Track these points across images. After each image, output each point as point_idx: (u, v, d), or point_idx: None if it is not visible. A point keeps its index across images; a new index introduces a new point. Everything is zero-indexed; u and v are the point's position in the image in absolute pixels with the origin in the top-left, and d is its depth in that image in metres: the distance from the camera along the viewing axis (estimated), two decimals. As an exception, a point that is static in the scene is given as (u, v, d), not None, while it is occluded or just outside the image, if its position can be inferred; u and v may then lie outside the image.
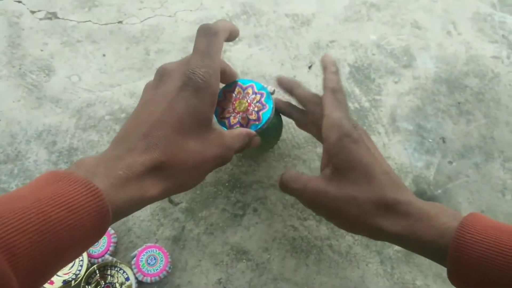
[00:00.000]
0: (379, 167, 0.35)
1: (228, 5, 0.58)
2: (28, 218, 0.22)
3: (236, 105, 0.41)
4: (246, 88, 0.42)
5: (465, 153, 0.51)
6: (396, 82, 0.55)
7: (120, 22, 0.55)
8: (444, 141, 0.52)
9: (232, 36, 0.39)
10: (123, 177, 0.28)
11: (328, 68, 0.41)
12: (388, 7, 0.60)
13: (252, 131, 0.39)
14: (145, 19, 0.55)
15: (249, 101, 0.41)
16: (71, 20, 0.54)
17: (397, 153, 0.50)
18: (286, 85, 0.44)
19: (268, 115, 0.40)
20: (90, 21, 0.54)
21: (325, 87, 0.40)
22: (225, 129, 0.39)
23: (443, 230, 0.31)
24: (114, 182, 0.27)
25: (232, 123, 0.40)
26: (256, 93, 0.42)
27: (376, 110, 0.53)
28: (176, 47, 0.54)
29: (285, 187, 0.39)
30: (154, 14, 0.56)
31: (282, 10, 0.58)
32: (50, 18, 0.54)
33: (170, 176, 0.31)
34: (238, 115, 0.40)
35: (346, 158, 0.35)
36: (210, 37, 0.35)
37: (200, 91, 0.33)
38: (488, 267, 0.28)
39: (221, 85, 0.42)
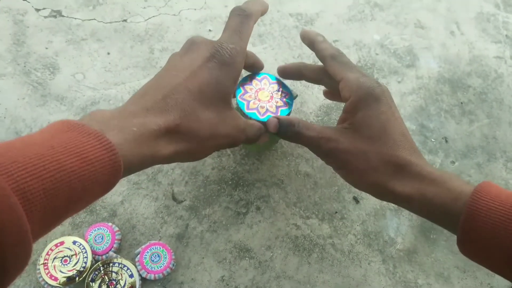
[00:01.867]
0: (397, 127, 0.35)
1: (231, 4, 0.58)
2: (43, 165, 0.22)
3: (259, 94, 0.42)
4: (261, 79, 0.43)
5: (467, 153, 0.51)
6: (399, 82, 0.55)
7: (125, 20, 0.55)
8: (446, 141, 0.52)
9: (263, 13, 0.40)
10: (137, 134, 0.28)
11: (315, 39, 0.40)
12: (391, 7, 0.60)
13: (263, 127, 0.39)
14: (150, 18, 0.55)
15: (272, 94, 0.42)
16: (76, 18, 0.54)
17: (400, 152, 0.50)
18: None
19: (286, 113, 0.41)
20: (94, 19, 0.55)
21: (323, 57, 0.39)
22: (243, 109, 0.40)
23: (456, 194, 0.30)
24: (127, 137, 0.27)
25: (250, 107, 0.41)
26: (271, 84, 0.43)
27: (379, 109, 0.53)
28: (180, 45, 0.54)
29: (298, 134, 0.37)
30: (159, 12, 0.56)
31: (286, 9, 0.58)
32: (54, 16, 0.54)
33: (182, 140, 0.31)
34: (259, 102, 0.41)
35: (364, 115, 0.35)
36: (243, 18, 0.36)
37: (225, 65, 0.33)
38: (501, 235, 0.27)
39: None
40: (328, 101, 0.52)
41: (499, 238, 0.27)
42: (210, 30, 0.56)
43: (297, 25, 0.57)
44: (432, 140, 0.52)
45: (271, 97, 0.42)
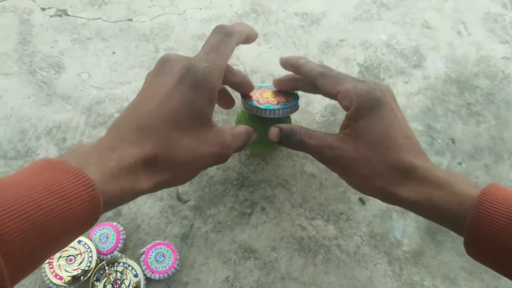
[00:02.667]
0: (400, 130, 0.34)
1: (237, 3, 0.57)
2: (21, 205, 0.22)
3: (264, 94, 0.42)
4: (268, 89, 0.43)
5: (474, 154, 0.51)
6: (406, 82, 0.54)
7: (130, 20, 0.55)
8: (453, 142, 0.51)
9: (250, 39, 0.39)
10: (114, 168, 0.27)
11: (298, 63, 0.40)
12: (398, 7, 0.60)
13: (250, 128, 0.39)
14: (155, 17, 0.55)
15: (276, 94, 0.42)
16: (81, 18, 0.54)
17: (406, 153, 0.50)
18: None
19: (287, 106, 0.40)
20: (100, 18, 0.55)
21: (312, 78, 0.38)
22: (255, 105, 0.39)
23: (462, 197, 0.30)
24: (105, 172, 0.27)
25: (251, 99, 0.40)
26: (271, 89, 0.43)
27: (385, 110, 0.52)
28: (186, 45, 0.54)
29: (300, 142, 0.37)
30: (164, 12, 0.56)
31: (291, 8, 0.58)
32: (60, 15, 0.54)
33: (162, 170, 0.31)
34: (261, 97, 0.41)
35: (367, 121, 0.34)
36: (223, 36, 0.35)
37: (198, 85, 0.32)
38: (508, 239, 0.27)
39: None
40: (334, 102, 0.52)
41: (505, 240, 0.27)
42: (215, 30, 0.55)
43: (302, 24, 0.57)
44: (439, 141, 0.51)
45: (275, 96, 0.42)
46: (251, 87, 0.42)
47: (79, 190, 0.25)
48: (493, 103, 0.54)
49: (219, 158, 0.35)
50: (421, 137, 0.51)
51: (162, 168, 0.31)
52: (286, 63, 0.41)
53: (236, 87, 0.41)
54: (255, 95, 0.42)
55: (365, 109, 0.34)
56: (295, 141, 0.37)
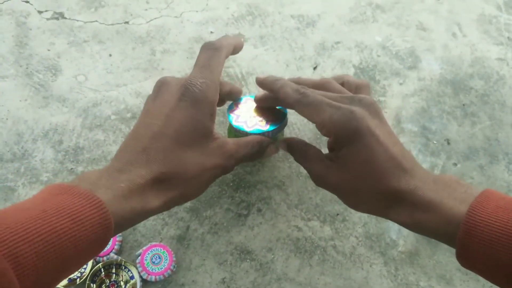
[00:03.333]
0: (382, 154, 0.32)
1: (233, 6, 0.58)
2: (34, 229, 0.23)
3: (253, 109, 0.42)
4: (246, 101, 0.43)
5: (469, 155, 0.51)
6: (401, 84, 0.55)
7: (127, 22, 0.55)
8: (448, 143, 0.52)
9: (236, 49, 0.40)
10: (125, 189, 0.28)
11: (272, 87, 0.38)
12: (393, 9, 0.60)
13: (266, 138, 0.39)
14: (151, 20, 0.56)
15: (265, 111, 0.42)
16: (78, 20, 0.55)
17: (402, 154, 0.50)
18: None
19: (275, 127, 0.41)
20: (96, 21, 0.55)
21: (289, 105, 0.38)
22: (244, 130, 0.40)
23: (449, 217, 0.30)
24: (116, 194, 0.28)
25: (249, 125, 0.41)
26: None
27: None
28: (182, 47, 0.54)
29: (297, 161, 0.40)
30: (160, 14, 0.56)
31: (287, 11, 0.58)
32: (57, 18, 0.54)
33: (171, 187, 0.32)
34: (249, 116, 0.41)
35: (347, 152, 0.34)
36: (212, 51, 0.36)
37: (197, 101, 0.33)
38: (499, 252, 0.27)
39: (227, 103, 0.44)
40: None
41: (497, 254, 0.27)
42: (211, 32, 0.56)
43: (298, 26, 0.57)
44: (434, 142, 0.51)
45: (264, 113, 0.42)
46: (240, 92, 0.43)
47: (91, 212, 0.25)
48: (488, 104, 0.54)
49: (224, 169, 0.36)
50: (416, 138, 0.51)
51: (171, 185, 0.31)
52: (262, 84, 0.40)
53: (226, 96, 0.42)
54: (242, 113, 0.42)
55: (343, 140, 0.34)
56: (295, 158, 0.40)
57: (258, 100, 0.42)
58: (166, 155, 0.31)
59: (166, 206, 0.32)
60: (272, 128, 0.40)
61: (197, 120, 0.33)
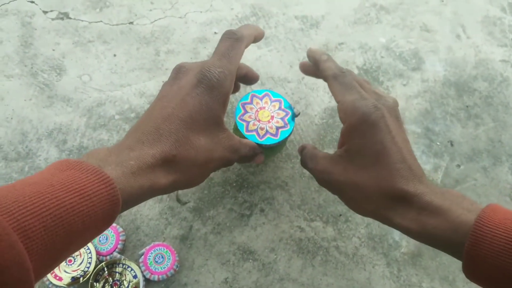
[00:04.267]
0: (395, 153, 0.32)
1: (238, 6, 0.58)
2: (43, 203, 0.22)
3: (259, 114, 0.42)
4: (262, 97, 0.43)
5: (473, 157, 0.51)
6: (404, 85, 0.55)
7: (131, 22, 0.55)
8: (452, 144, 0.52)
9: (257, 39, 0.40)
10: (134, 167, 0.28)
11: (320, 58, 0.40)
12: (397, 10, 0.60)
13: (258, 147, 0.39)
14: (156, 20, 0.56)
15: (272, 114, 0.42)
16: (83, 21, 0.55)
17: (405, 155, 0.50)
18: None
19: (287, 135, 0.41)
20: (101, 21, 0.55)
21: (325, 77, 0.38)
22: (242, 131, 0.40)
23: (456, 225, 0.29)
24: (125, 170, 0.28)
25: (249, 129, 0.41)
26: (272, 102, 0.43)
27: (384, 112, 0.53)
28: (186, 48, 0.54)
29: (304, 164, 0.40)
30: (165, 15, 0.56)
31: (291, 12, 0.58)
32: (62, 18, 0.55)
33: (179, 170, 0.31)
34: (259, 123, 0.41)
35: (359, 143, 0.33)
36: (233, 41, 0.36)
37: (213, 89, 0.33)
38: (507, 263, 0.26)
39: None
40: (334, 104, 0.52)
41: (505, 266, 0.26)
42: (215, 33, 0.56)
43: (302, 27, 0.57)
44: (438, 143, 0.51)
45: (272, 117, 0.42)
46: (256, 77, 0.42)
47: (99, 188, 0.25)
48: (491, 106, 0.54)
49: (228, 161, 0.36)
50: (419, 139, 0.51)
51: (180, 168, 0.31)
52: (310, 55, 0.41)
53: (242, 79, 0.41)
54: (251, 119, 0.41)
55: (357, 129, 0.34)
56: (302, 159, 0.40)
57: (301, 66, 0.43)
58: (178, 137, 0.31)
59: (172, 187, 0.32)
60: (270, 141, 0.41)
61: (211, 108, 0.33)
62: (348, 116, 0.34)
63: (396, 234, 0.46)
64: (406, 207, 0.32)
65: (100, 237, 0.42)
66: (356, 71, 0.55)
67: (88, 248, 0.41)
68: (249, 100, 0.43)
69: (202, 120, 0.33)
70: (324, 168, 0.36)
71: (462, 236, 0.28)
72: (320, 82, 0.54)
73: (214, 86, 0.33)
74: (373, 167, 0.33)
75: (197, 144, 0.32)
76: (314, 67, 0.41)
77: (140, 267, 0.41)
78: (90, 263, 0.41)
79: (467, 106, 0.54)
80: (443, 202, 0.30)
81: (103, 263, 0.41)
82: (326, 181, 0.37)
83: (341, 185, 0.35)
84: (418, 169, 0.33)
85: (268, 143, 0.40)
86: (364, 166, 0.33)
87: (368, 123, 0.33)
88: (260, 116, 0.42)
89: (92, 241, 0.42)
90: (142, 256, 0.42)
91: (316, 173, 0.37)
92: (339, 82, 0.37)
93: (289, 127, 0.42)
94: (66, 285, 0.40)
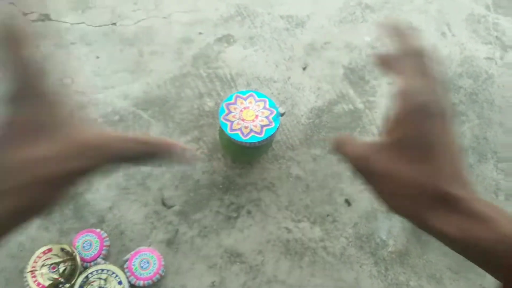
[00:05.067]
0: (447, 154, 0.30)
1: (222, 6, 0.57)
2: None
3: (244, 113, 0.42)
4: (247, 97, 0.43)
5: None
6: (390, 84, 0.55)
7: (114, 24, 0.55)
8: (438, 142, 0.52)
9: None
10: None
11: (403, 32, 0.33)
12: (382, 9, 0.60)
13: (175, 144, 0.28)
14: (139, 21, 0.55)
15: (257, 113, 0.42)
16: (65, 22, 0.54)
17: (391, 154, 0.50)
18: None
19: (272, 133, 0.41)
20: (83, 23, 0.54)
21: (404, 49, 0.32)
22: (226, 130, 0.40)
23: (503, 236, 0.27)
24: None
25: (233, 128, 0.41)
26: (257, 101, 0.43)
27: (371, 111, 0.52)
28: (170, 48, 0.54)
29: (339, 147, 0.34)
30: (148, 16, 0.56)
31: (276, 11, 0.58)
32: (43, 20, 0.54)
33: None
34: (243, 122, 0.41)
35: (412, 133, 0.30)
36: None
37: None
38: None
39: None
40: (319, 104, 0.52)
41: None
42: (200, 33, 0.55)
43: (288, 27, 0.57)
44: (424, 141, 0.52)
45: (256, 116, 0.42)
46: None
47: None
48: (476, 103, 0.55)
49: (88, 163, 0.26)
50: (406, 138, 0.51)
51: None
52: (390, 26, 0.33)
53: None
54: (235, 118, 0.41)
55: (412, 117, 0.30)
56: (336, 147, 0.35)
57: (378, 58, 0.34)
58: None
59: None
60: (255, 139, 0.41)
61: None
62: (408, 99, 0.30)
63: (383, 233, 0.46)
64: (448, 210, 0.29)
65: (84, 243, 0.41)
66: (341, 71, 0.55)
67: (72, 255, 0.40)
68: (233, 101, 0.42)
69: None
70: (364, 154, 0.32)
71: (506, 249, 0.27)
72: (306, 83, 0.53)
73: None
74: (421, 162, 0.30)
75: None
76: (396, 43, 0.34)
77: (125, 273, 0.41)
78: (74, 270, 0.40)
79: (452, 104, 0.54)
80: (488, 210, 0.29)
81: (87, 270, 0.40)
82: (363, 169, 0.32)
83: (380, 175, 0.31)
84: (466, 175, 0.30)
85: (252, 141, 0.40)
86: (412, 159, 0.30)
87: (428, 113, 0.30)
88: (244, 116, 0.42)
89: (76, 247, 0.41)
90: (127, 262, 0.41)
91: (353, 158, 0.33)
92: (417, 61, 0.32)
93: (274, 125, 0.41)
94: (49, 292, 0.39)
